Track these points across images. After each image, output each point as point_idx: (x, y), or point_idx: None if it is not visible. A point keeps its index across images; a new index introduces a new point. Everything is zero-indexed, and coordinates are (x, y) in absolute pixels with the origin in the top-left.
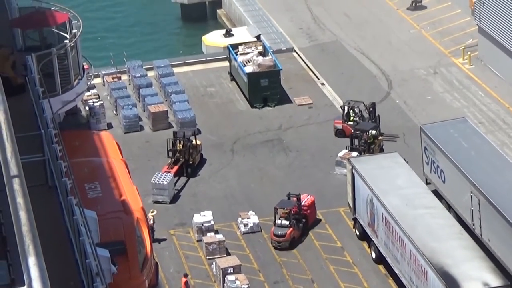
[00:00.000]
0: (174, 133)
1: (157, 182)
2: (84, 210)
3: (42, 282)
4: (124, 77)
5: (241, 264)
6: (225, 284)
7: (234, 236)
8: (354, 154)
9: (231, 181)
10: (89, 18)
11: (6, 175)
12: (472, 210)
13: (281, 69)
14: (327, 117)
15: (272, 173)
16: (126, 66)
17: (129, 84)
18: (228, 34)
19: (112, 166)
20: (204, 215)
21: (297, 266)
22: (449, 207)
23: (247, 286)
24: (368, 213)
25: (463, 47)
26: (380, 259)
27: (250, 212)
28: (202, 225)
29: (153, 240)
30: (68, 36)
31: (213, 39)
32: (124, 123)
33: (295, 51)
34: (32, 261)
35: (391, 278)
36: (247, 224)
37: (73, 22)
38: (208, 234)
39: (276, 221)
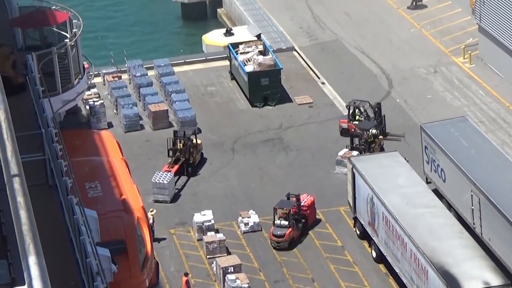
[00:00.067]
0: (175, 132)
1: (158, 181)
2: (84, 209)
3: (42, 281)
4: (125, 76)
5: (242, 263)
6: (225, 283)
7: (235, 235)
8: (355, 153)
9: (232, 180)
10: (89, 17)
11: (7, 174)
12: (473, 209)
13: (282, 68)
14: (327, 116)
15: (273, 172)
16: (126, 65)
17: (130, 83)
18: (229, 33)
19: (113, 165)
20: (205, 214)
21: (298, 265)
22: (449, 206)
23: (247, 285)
24: (369, 212)
25: (463, 46)
26: (381, 258)
27: (251, 211)
28: (203, 224)
29: (153, 239)
30: (68, 35)
31: (214, 38)
32: (125, 122)
33: (296, 50)
34: (32, 260)
35: (391, 277)
36: (248, 223)
37: (73, 21)
38: (209, 233)
39: (275, 221)
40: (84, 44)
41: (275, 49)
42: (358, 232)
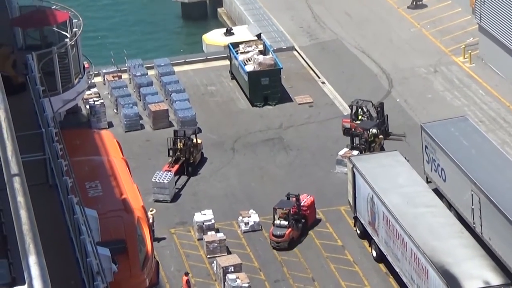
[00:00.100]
0: (175, 131)
1: (158, 181)
2: (84, 208)
3: (42, 281)
4: (125, 75)
5: (242, 263)
6: (225, 283)
7: (235, 234)
8: (355, 152)
9: (232, 179)
10: (89, 17)
11: (7, 174)
12: (473, 208)
13: (282, 68)
14: (327, 116)
15: (273, 171)
16: (126, 64)
17: (130, 83)
18: (229, 32)
19: (113, 165)
20: (205, 214)
21: (298, 264)
22: (449, 206)
23: (247, 284)
24: (369, 212)
25: (463, 46)
26: (381, 258)
27: (251, 210)
28: (203, 223)
29: (153, 239)
30: (68, 35)
31: (214, 38)
32: (125, 122)
33: (296, 50)
34: (32, 260)
35: (391, 276)
36: (248, 223)
37: (73, 21)
38: (209, 233)
39: (275, 222)
40: (84, 43)
41: (275, 48)
42: (359, 232)
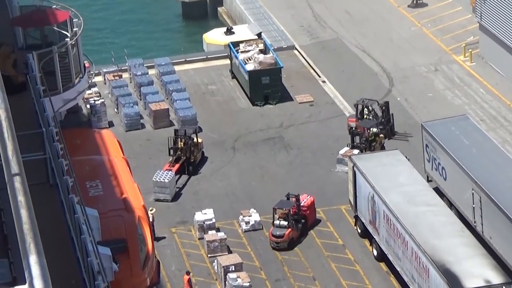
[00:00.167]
0: (175, 131)
1: (159, 180)
2: (85, 208)
3: (43, 280)
4: (125, 75)
5: (243, 262)
6: (226, 282)
7: (236, 234)
8: (355, 151)
9: (232, 179)
10: (90, 17)
11: (7, 173)
12: (474, 207)
13: (282, 67)
14: (328, 115)
15: (273, 171)
16: (127, 64)
17: (130, 82)
18: (229, 32)
19: (114, 164)
20: (206, 213)
21: (299, 264)
22: (450, 205)
23: (248, 284)
24: (370, 211)
25: (464, 45)
26: (382, 257)
27: (251, 210)
28: (204, 223)
29: (154, 238)
30: (69, 34)
31: (214, 37)
32: (125, 121)
33: (296, 49)
34: (33, 259)
35: (392, 275)
36: (249, 222)
37: (74, 20)
38: (210, 232)
39: (275, 222)
40: (85, 43)
41: (275, 47)
42: (359, 231)
